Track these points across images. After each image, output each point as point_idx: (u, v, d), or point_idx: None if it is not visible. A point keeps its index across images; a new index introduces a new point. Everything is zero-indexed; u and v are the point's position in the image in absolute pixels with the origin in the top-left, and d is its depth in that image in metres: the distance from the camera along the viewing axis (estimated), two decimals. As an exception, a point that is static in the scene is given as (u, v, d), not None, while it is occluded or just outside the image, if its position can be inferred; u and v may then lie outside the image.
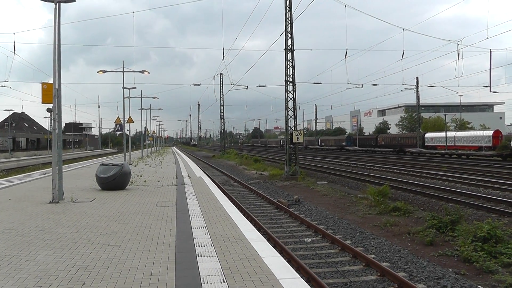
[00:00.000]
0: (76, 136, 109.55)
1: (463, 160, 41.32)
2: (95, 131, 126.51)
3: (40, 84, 11.96)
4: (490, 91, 36.08)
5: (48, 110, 11.73)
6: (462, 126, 71.24)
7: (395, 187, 19.18)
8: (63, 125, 17.90)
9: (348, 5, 26.99)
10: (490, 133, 50.06)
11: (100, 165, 14.69)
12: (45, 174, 20.40)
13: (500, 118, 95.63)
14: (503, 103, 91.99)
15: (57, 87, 11.57)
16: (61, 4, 11.74)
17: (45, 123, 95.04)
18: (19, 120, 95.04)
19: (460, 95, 58.39)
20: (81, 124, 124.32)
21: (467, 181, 21.14)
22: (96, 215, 9.30)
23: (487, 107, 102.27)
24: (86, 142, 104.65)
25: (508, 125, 77.55)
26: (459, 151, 48.92)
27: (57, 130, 11.75)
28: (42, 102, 11.84)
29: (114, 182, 13.97)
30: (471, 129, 65.54)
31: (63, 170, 12.45)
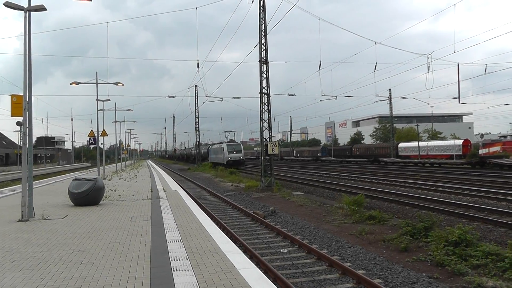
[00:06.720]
0: (48, 150, 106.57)
1: (435, 168, 42.39)
2: (68, 145, 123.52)
3: (10, 97, 11.61)
4: (459, 102, 37.43)
5: (18, 123, 11.40)
6: (434, 136, 73.19)
7: (370, 196, 19.48)
8: (34, 139, 17.37)
9: (322, 18, 27.60)
10: (460, 142, 51.64)
11: (73, 180, 14.35)
12: (15, 191, 19.77)
13: (469, 128, 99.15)
14: (471, 113, 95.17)
15: (27, 99, 11.27)
16: (37, 13, 11.62)
17: (15, 137, 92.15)
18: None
19: (431, 106, 59.98)
20: (54, 137, 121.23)
21: (439, 189, 21.70)
22: (68, 232, 9.07)
23: (456, 118, 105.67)
24: (58, 157, 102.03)
25: (476, 135, 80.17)
26: (432, 160, 50.15)
27: (27, 145, 11.44)
28: (12, 115, 11.44)
29: (87, 197, 13.67)
30: (443, 138, 67.29)
31: (34, 186, 12.11)
